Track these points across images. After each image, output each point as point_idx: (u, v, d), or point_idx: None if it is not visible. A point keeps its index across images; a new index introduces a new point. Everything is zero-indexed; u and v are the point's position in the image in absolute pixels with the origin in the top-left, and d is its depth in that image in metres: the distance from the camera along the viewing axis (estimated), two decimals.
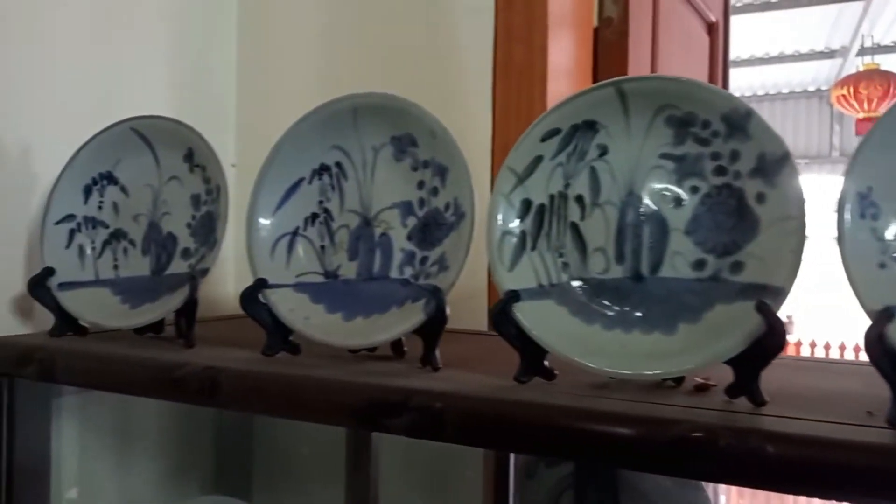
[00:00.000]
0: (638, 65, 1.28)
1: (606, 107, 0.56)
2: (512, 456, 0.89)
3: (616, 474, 0.76)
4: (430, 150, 0.64)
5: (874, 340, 0.43)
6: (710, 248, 0.53)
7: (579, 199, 0.57)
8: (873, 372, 0.44)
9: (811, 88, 6.19)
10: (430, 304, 0.59)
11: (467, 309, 0.81)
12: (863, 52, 4.44)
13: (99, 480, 0.93)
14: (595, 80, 1.18)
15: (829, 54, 5.19)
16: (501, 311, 0.54)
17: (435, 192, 0.64)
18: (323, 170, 0.69)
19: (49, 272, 0.74)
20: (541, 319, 0.55)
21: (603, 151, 0.57)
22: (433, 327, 0.59)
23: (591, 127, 0.57)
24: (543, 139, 0.57)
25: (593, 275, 0.56)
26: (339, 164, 0.68)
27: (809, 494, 0.43)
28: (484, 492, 0.93)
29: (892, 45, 4.62)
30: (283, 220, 0.69)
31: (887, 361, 0.43)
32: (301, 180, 0.69)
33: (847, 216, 0.46)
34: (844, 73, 4.72)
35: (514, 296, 0.55)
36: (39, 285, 0.73)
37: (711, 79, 1.62)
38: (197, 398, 0.59)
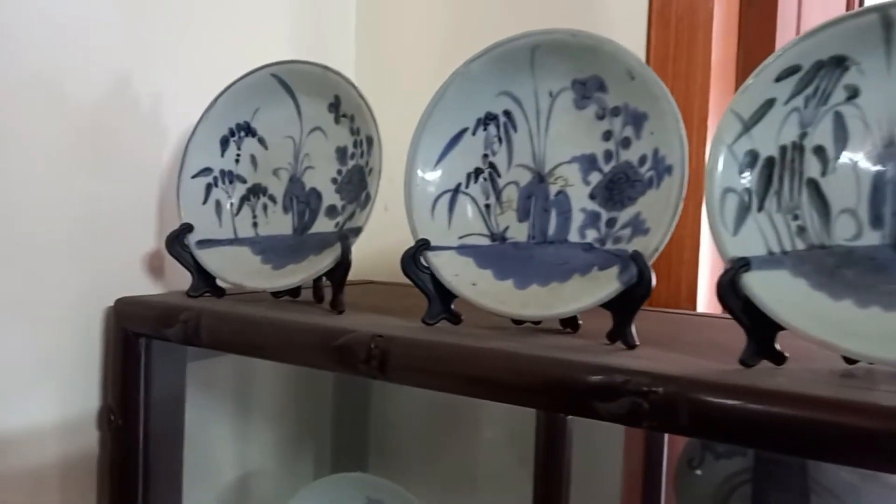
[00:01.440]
0: (784, 17, 1.16)
1: (863, 39, 0.46)
2: (666, 442, 0.81)
3: (806, 470, 0.67)
4: (623, 94, 0.55)
5: None
6: None
7: (819, 150, 0.48)
8: None
9: None
10: (629, 273, 0.51)
11: None
12: None
13: (218, 447, 0.90)
14: (742, 30, 1.07)
15: None
16: (730, 281, 0.46)
17: (626, 143, 0.56)
18: (489, 119, 0.61)
19: (187, 228, 0.69)
20: (773, 292, 0.46)
21: (853, 94, 0.47)
22: (631, 299, 0.51)
23: (839, 64, 0.47)
24: (779, 79, 0.48)
25: (839, 241, 0.47)
26: (507, 113, 0.61)
27: None
28: (626, 479, 0.85)
29: None
30: (444, 176, 0.62)
31: None
32: (464, 131, 0.62)
33: None
34: None
35: (744, 264, 0.46)
36: (178, 242, 0.69)
37: None
38: (362, 368, 0.53)
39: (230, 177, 0.72)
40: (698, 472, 0.72)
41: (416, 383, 0.52)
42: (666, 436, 0.81)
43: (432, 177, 0.62)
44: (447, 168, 0.62)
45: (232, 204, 0.72)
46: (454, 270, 0.59)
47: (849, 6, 1.61)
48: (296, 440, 1.00)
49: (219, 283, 0.70)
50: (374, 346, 0.53)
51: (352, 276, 1.05)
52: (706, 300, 0.92)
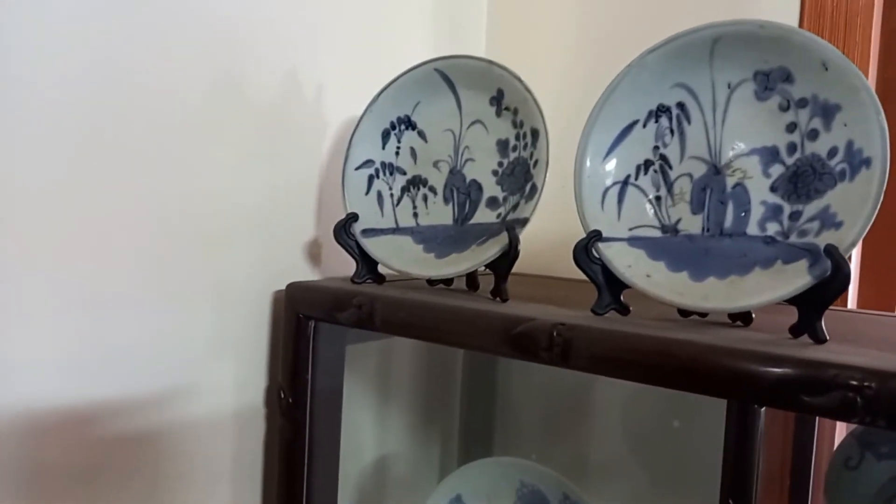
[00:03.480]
0: None
1: None
2: (815, 439, 0.79)
3: None
4: (812, 85, 0.54)
5: None
6: None
7: None
8: None
9: None
10: (821, 267, 0.50)
11: None
12: None
13: (360, 428, 0.94)
14: (885, 15, 1.03)
15: None
16: None
17: (814, 135, 0.55)
18: (661, 111, 0.61)
19: (353, 218, 0.72)
20: None
21: None
22: (825, 293, 0.51)
23: None
24: None
25: None
26: (680, 105, 0.61)
27: None
28: (766, 474, 0.84)
29: None
30: (614, 168, 0.62)
31: None
32: (634, 123, 0.62)
33: None
34: None
35: None
36: (345, 231, 0.72)
37: None
38: (544, 357, 0.55)
39: (391, 168, 0.75)
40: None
41: (600, 371, 0.53)
42: (816, 432, 0.79)
43: (602, 168, 0.62)
44: (617, 160, 0.62)
45: (393, 195, 0.74)
46: (627, 262, 0.60)
47: None
48: (426, 423, 1.03)
49: (380, 269, 0.73)
50: (557, 335, 0.54)
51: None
52: (854, 296, 0.89)
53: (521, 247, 0.84)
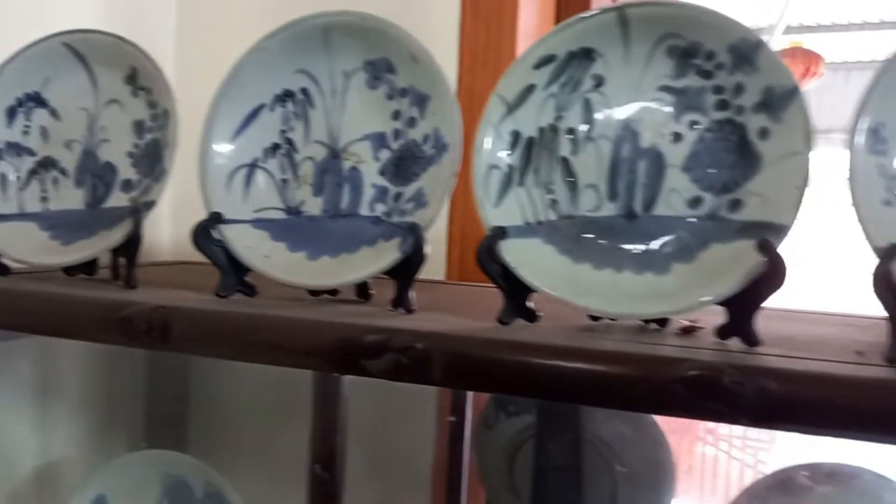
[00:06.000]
0: None
1: (606, 34, 0.52)
2: (469, 404, 0.87)
3: (579, 424, 0.75)
4: (409, 77, 0.59)
5: (880, 277, 0.42)
6: (707, 185, 0.50)
7: (571, 132, 0.54)
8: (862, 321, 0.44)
9: None
10: (407, 243, 0.55)
11: None
12: (788, 30, 4.60)
13: (17, 436, 0.85)
14: (558, 17, 1.14)
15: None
16: (487, 248, 0.51)
17: (412, 122, 0.59)
18: (287, 96, 0.63)
19: None
20: (527, 258, 0.52)
21: (599, 82, 0.53)
22: (409, 267, 0.55)
23: (588, 55, 0.53)
24: (537, 66, 0.53)
25: (583, 212, 0.53)
26: (304, 91, 0.63)
27: (815, 433, 0.42)
28: (437, 443, 0.90)
29: (815, 25, 4.80)
30: (241, 151, 0.63)
31: (892, 297, 0.42)
32: (261, 107, 0.63)
33: (858, 152, 0.44)
34: None
35: (501, 232, 0.51)
36: None
37: None
38: (145, 341, 0.53)
39: (17, 149, 0.68)
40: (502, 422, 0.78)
41: (197, 352, 0.53)
42: (470, 399, 0.87)
43: (228, 151, 0.62)
44: (244, 143, 0.63)
45: (19, 177, 0.68)
46: (248, 243, 0.60)
47: None
48: (106, 424, 0.97)
49: (4, 260, 0.66)
50: (156, 318, 0.53)
51: (169, 256, 1.03)
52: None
53: None
